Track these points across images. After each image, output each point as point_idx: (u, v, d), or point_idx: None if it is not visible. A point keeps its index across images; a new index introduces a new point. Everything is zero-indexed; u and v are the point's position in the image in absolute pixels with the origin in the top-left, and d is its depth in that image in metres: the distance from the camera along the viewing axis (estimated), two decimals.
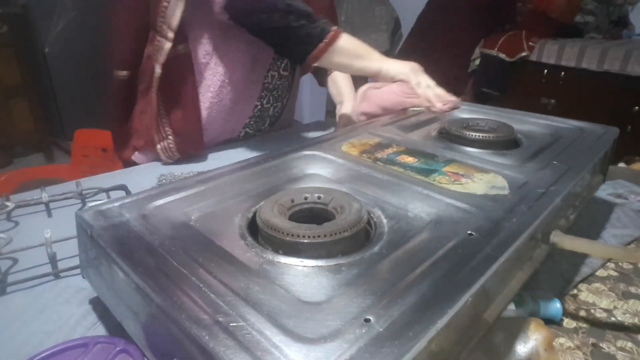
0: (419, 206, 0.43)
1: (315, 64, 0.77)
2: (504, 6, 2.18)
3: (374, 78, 0.83)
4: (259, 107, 0.91)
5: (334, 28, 0.75)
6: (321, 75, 1.00)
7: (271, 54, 0.87)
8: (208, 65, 0.82)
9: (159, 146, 0.81)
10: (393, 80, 0.79)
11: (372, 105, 0.81)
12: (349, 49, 0.77)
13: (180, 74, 0.78)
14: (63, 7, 2.83)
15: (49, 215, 0.62)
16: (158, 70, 0.75)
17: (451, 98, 0.74)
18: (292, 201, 0.42)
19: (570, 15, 2.10)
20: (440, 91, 0.76)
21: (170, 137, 0.80)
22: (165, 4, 0.73)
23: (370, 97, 0.82)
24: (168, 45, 0.74)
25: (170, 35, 0.74)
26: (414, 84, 0.77)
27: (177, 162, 0.82)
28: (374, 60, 0.79)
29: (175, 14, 0.73)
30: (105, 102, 0.87)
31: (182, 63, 0.78)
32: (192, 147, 0.83)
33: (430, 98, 0.74)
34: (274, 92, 0.92)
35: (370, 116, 0.82)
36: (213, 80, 0.83)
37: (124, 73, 0.80)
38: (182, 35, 0.75)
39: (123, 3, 0.78)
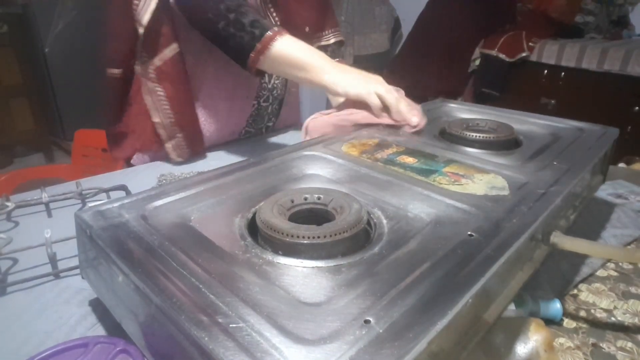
0: (419, 207, 0.43)
1: (261, 70, 0.72)
2: (504, 6, 2.18)
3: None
4: (256, 106, 0.91)
5: (269, 34, 0.68)
6: None
7: None
8: (198, 66, 0.82)
9: (169, 145, 0.80)
10: (345, 96, 0.69)
11: (319, 131, 0.68)
12: (285, 58, 0.69)
13: (175, 74, 0.78)
14: (63, 7, 2.82)
15: (49, 215, 0.62)
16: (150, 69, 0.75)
17: (417, 107, 0.66)
18: (292, 202, 0.42)
19: (570, 15, 2.10)
20: (409, 103, 0.66)
21: (179, 135, 0.80)
22: (136, 1, 0.72)
23: (316, 127, 0.69)
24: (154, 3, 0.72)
25: (141, 30, 0.73)
26: (370, 100, 0.65)
27: (177, 162, 0.82)
28: (317, 72, 0.68)
29: (147, 10, 0.72)
30: (101, 101, 0.87)
31: (175, 63, 0.77)
32: (196, 145, 0.83)
33: (402, 112, 0.64)
34: (273, 91, 0.92)
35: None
36: (205, 81, 0.83)
37: (115, 71, 0.80)
38: (171, 36, 0.75)
39: (113, 2, 0.78)
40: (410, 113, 0.64)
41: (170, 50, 0.76)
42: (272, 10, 0.81)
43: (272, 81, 0.90)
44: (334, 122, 0.67)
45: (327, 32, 0.95)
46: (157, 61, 0.76)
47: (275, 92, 0.92)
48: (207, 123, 0.85)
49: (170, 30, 0.75)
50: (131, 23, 0.75)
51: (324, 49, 0.95)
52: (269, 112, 0.94)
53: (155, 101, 0.79)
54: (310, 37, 0.91)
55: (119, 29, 0.78)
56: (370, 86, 0.66)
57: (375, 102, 0.65)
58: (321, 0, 0.91)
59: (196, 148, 0.84)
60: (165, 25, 0.74)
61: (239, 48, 0.69)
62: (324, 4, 0.93)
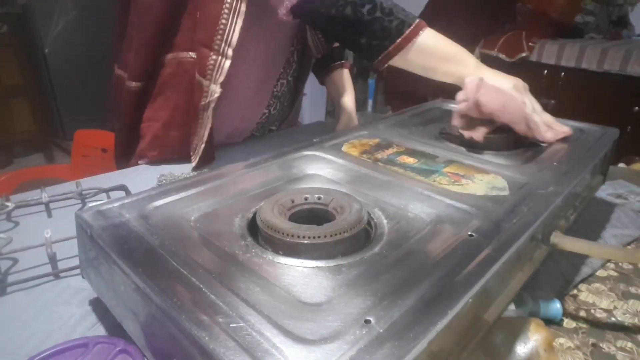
0: (419, 207, 0.43)
1: (389, 63, 0.68)
2: (504, 6, 2.18)
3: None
4: (267, 114, 0.90)
5: (417, 21, 0.64)
6: (322, 75, 1.00)
7: (282, 64, 0.85)
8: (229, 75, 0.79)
9: (200, 150, 0.76)
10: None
11: (493, 99, 0.59)
12: (435, 48, 0.65)
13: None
14: (63, 7, 2.82)
15: (49, 215, 0.62)
16: (218, 90, 0.70)
17: (563, 128, 0.62)
18: (292, 202, 0.42)
19: (570, 15, 2.10)
20: (549, 118, 0.63)
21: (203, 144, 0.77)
22: (223, 21, 0.67)
23: (490, 91, 0.60)
24: (228, 63, 0.68)
25: (230, 52, 0.68)
26: (529, 109, 0.61)
27: (177, 162, 0.82)
28: (468, 65, 0.66)
29: (235, 31, 0.67)
30: (115, 110, 0.83)
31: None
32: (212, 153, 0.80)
33: (539, 125, 0.60)
34: (281, 98, 0.91)
35: (480, 112, 0.60)
36: (228, 91, 0.81)
37: (134, 84, 0.77)
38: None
39: (145, 19, 0.73)
40: (557, 124, 0.62)
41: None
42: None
43: (281, 89, 0.90)
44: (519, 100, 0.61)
45: None
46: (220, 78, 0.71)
47: (282, 99, 0.92)
48: (218, 130, 0.84)
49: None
50: (163, 40, 0.72)
51: (336, 49, 0.95)
52: (276, 117, 0.94)
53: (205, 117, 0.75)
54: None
55: (149, 46, 0.74)
56: (523, 94, 0.63)
57: (529, 106, 0.61)
58: None
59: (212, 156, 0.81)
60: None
61: (383, 34, 0.64)
62: None
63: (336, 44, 0.96)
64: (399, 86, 2.57)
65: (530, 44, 2.02)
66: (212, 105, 0.72)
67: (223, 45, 0.68)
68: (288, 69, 0.88)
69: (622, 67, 1.73)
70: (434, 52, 0.65)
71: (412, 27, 0.63)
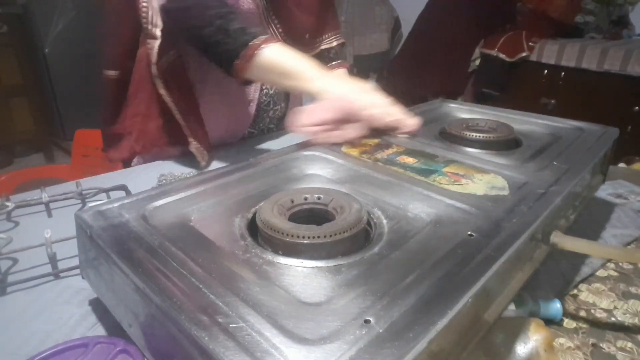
0: (419, 207, 0.43)
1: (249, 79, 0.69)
2: (504, 6, 2.18)
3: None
4: (260, 111, 0.91)
5: (255, 42, 0.64)
6: None
7: None
8: (198, 71, 0.81)
9: (193, 148, 0.78)
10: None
11: (328, 110, 0.59)
12: (274, 66, 0.65)
13: (177, 79, 0.77)
14: (63, 7, 2.82)
15: (49, 215, 0.62)
16: (154, 71, 0.74)
17: (411, 120, 0.61)
18: (292, 202, 0.42)
19: (570, 15, 2.10)
20: (393, 109, 0.62)
21: (193, 140, 0.79)
22: (144, 3, 0.71)
23: (323, 106, 0.60)
24: (157, 43, 0.72)
25: (157, 32, 0.72)
26: (366, 104, 0.60)
27: (177, 162, 0.82)
28: (306, 80, 0.65)
29: (156, 11, 0.72)
30: (99, 102, 0.87)
31: (175, 68, 0.77)
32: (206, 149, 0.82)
33: (396, 115, 0.61)
34: (274, 97, 0.92)
35: (327, 127, 0.59)
36: (206, 86, 0.83)
37: (112, 73, 0.80)
38: (169, 41, 0.74)
39: (112, 5, 0.77)
40: (406, 116, 0.62)
41: (171, 55, 0.76)
42: (275, 20, 0.81)
43: (272, 87, 0.90)
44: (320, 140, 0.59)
45: (328, 35, 0.95)
46: (164, 63, 0.75)
47: (276, 97, 0.92)
48: (209, 128, 0.85)
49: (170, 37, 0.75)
50: (130, 25, 0.75)
51: (326, 52, 0.95)
52: (270, 115, 0.94)
53: (158, 102, 0.79)
54: (311, 42, 0.91)
55: (118, 31, 0.78)
56: (368, 95, 0.62)
57: (378, 114, 0.60)
58: (323, 5, 0.91)
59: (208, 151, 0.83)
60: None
61: (225, 56, 0.67)
62: (327, 9, 0.93)
63: (336, 43, 0.96)
64: (399, 86, 2.57)
65: (530, 43, 2.03)
66: (159, 66, 0.74)
67: (150, 27, 0.72)
68: None
69: (622, 67, 1.73)
70: (272, 69, 0.66)
71: (249, 48, 0.64)
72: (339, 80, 0.67)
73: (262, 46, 0.64)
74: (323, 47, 0.95)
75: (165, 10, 0.71)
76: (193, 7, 0.67)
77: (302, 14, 0.85)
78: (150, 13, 0.72)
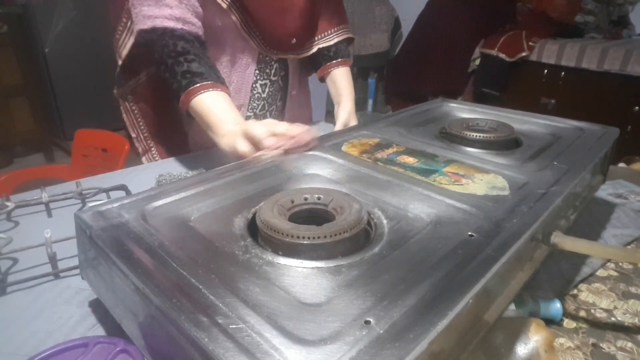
0: (419, 207, 0.43)
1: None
2: (504, 6, 2.18)
3: None
4: (252, 116, 0.90)
5: (191, 88, 0.67)
6: (323, 71, 0.98)
7: (253, 65, 0.85)
8: None
9: (144, 158, 0.89)
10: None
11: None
12: (201, 114, 0.67)
13: (149, 94, 0.86)
14: (63, 7, 2.82)
15: (49, 215, 0.62)
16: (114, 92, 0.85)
17: (294, 132, 0.56)
18: (292, 202, 0.42)
19: (570, 15, 2.10)
20: (278, 127, 0.58)
21: (153, 148, 0.90)
22: (117, 35, 0.79)
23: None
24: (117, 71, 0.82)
25: (119, 62, 0.81)
26: (238, 149, 0.59)
27: (176, 162, 0.82)
28: (215, 134, 0.66)
29: (125, 46, 0.78)
30: (100, 102, 0.98)
31: (144, 87, 0.85)
32: (178, 153, 0.88)
33: (287, 132, 0.56)
34: (268, 99, 0.91)
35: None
36: None
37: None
38: (142, 66, 0.82)
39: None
40: (296, 127, 0.57)
41: (143, 76, 0.84)
42: (255, 31, 0.80)
43: (267, 90, 0.90)
44: None
45: (324, 34, 0.94)
46: (133, 84, 0.85)
47: (270, 99, 0.92)
48: (202, 133, 0.84)
49: (141, 62, 0.81)
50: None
51: (326, 50, 0.94)
52: (265, 118, 0.93)
53: (131, 118, 0.89)
54: (300, 45, 0.89)
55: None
56: (236, 136, 0.60)
57: (242, 149, 0.59)
58: (315, 7, 0.89)
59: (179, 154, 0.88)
60: (139, 57, 0.80)
61: (173, 93, 0.71)
62: (318, 10, 0.91)
63: (336, 40, 0.95)
64: (399, 86, 2.57)
65: (530, 43, 2.02)
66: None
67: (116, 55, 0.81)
68: (267, 69, 0.88)
69: (622, 67, 1.73)
70: (199, 117, 0.68)
71: (184, 94, 0.68)
72: (241, 124, 0.63)
73: (197, 93, 0.67)
74: (321, 45, 0.93)
75: (136, 43, 0.75)
76: (156, 42, 0.70)
77: (285, 21, 0.83)
78: (118, 45, 0.80)
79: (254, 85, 0.87)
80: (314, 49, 0.93)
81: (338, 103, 0.96)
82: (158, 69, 0.72)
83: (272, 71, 0.89)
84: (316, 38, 0.93)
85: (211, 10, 0.74)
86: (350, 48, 1.04)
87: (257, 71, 0.86)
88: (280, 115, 0.98)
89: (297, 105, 1.00)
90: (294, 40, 0.86)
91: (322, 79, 1.00)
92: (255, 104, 0.89)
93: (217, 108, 0.67)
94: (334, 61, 0.95)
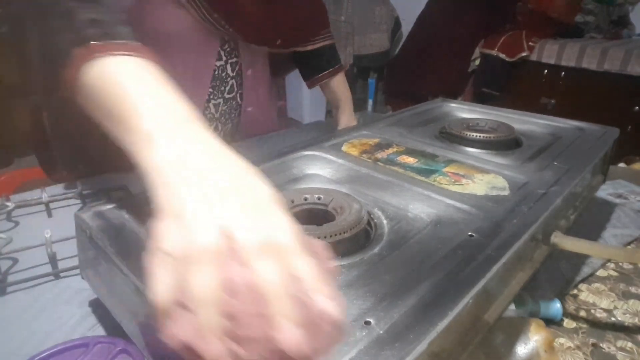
0: (419, 207, 0.43)
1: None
2: (504, 6, 2.18)
3: None
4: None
5: (101, 43, 0.35)
6: (317, 80, 0.94)
7: (207, 83, 0.76)
8: None
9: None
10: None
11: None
12: (104, 90, 0.34)
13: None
14: None
15: (49, 215, 0.62)
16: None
17: None
18: (292, 202, 0.42)
19: (570, 15, 2.10)
20: None
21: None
22: None
23: None
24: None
25: None
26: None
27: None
28: (136, 132, 0.32)
29: None
30: None
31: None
32: None
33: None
34: (221, 119, 0.83)
35: None
36: None
37: None
38: None
39: None
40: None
41: None
42: (230, 30, 0.72)
43: (217, 110, 0.81)
44: None
45: (314, 35, 0.88)
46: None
47: (223, 119, 0.83)
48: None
49: None
50: None
51: (310, 53, 0.89)
52: (222, 136, 0.86)
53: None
54: (286, 47, 0.85)
55: None
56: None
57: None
58: (295, 9, 0.83)
59: None
60: None
61: (56, 55, 0.37)
62: (298, 13, 0.85)
63: (321, 44, 0.89)
64: (399, 86, 2.56)
65: (530, 43, 2.02)
66: None
67: None
68: (221, 86, 0.79)
69: (622, 67, 1.72)
70: (99, 95, 0.34)
71: (83, 47, 0.34)
72: (201, 155, 0.32)
73: (110, 53, 0.34)
74: (307, 48, 0.88)
75: None
76: None
77: (264, 19, 0.76)
78: None
79: (206, 105, 0.78)
80: (298, 48, 0.88)
81: (337, 107, 0.96)
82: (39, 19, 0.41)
83: (227, 88, 0.80)
84: (300, 37, 0.87)
85: (160, 9, 0.64)
86: (346, 51, 1.01)
87: (210, 89, 0.77)
88: (235, 134, 0.91)
89: (253, 120, 0.90)
90: (279, 42, 0.81)
91: (312, 87, 0.96)
92: (210, 124, 0.81)
93: (144, 87, 0.34)
94: (326, 71, 0.92)
